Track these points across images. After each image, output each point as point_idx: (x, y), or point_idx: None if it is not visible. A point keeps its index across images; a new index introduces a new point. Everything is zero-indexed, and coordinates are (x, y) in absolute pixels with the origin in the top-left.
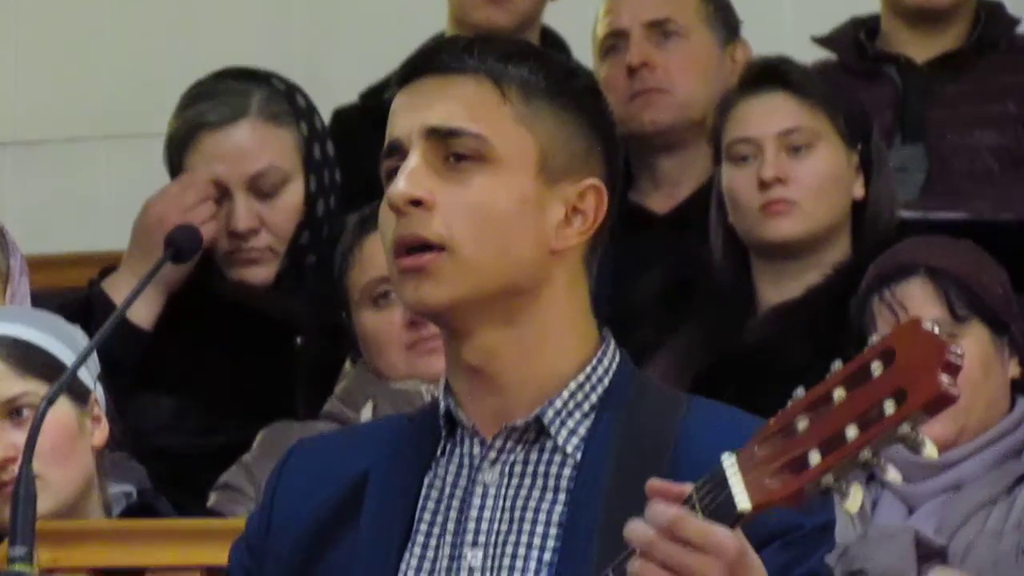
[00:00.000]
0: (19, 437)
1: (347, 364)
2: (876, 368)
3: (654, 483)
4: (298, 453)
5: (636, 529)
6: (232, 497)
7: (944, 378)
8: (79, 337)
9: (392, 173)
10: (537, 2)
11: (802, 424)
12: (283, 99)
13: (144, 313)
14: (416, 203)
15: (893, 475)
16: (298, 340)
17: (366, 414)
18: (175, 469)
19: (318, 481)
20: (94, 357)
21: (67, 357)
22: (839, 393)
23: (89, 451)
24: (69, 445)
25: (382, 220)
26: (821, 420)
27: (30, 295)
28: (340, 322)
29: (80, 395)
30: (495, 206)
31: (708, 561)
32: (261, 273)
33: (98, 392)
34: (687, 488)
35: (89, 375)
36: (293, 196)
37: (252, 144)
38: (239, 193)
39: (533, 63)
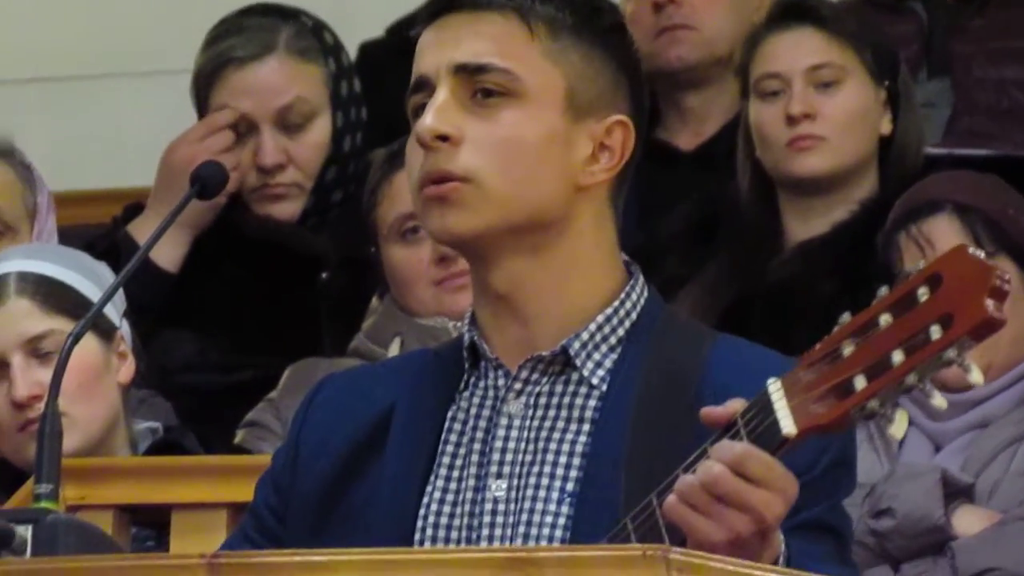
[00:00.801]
0: (45, 374)
1: (374, 300)
2: (922, 294)
3: (707, 409)
4: (324, 389)
5: (706, 466)
6: (259, 434)
7: (990, 303)
8: (105, 274)
9: (419, 109)
10: None
11: (848, 349)
12: (311, 35)
13: (170, 255)
14: (444, 138)
15: (939, 400)
16: (323, 276)
17: (394, 350)
18: (201, 405)
19: (344, 415)
20: (120, 294)
21: (93, 294)
22: (885, 318)
23: (115, 388)
24: (95, 382)
25: (409, 155)
26: (867, 345)
27: (57, 232)
28: (365, 258)
29: (106, 332)
30: (523, 140)
31: (774, 498)
32: (288, 209)
33: (124, 329)
34: (737, 408)
35: (115, 312)
36: (320, 132)
37: (280, 79)
38: (266, 128)
39: (559, 0)
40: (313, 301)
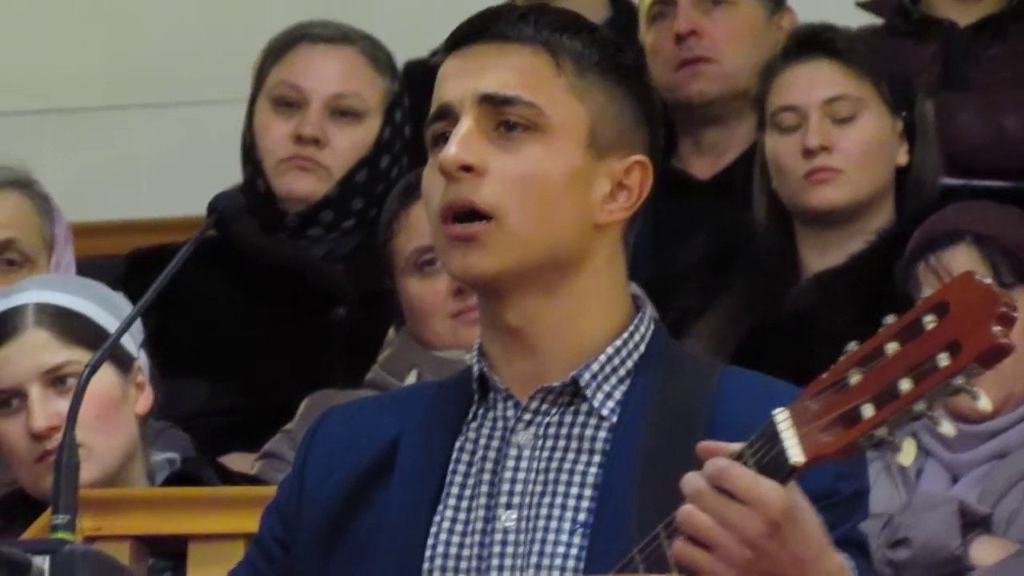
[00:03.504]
0: (63, 406)
1: (391, 332)
2: (929, 321)
3: (704, 444)
4: (329, 420)
5: (689, 479)
6: (276, 465)
7: (998, 329)
8: (122, 305)
9: (439, 137)
10: None
11: (855, 378)
12: (384, 54)
13: None
14: (467, 169)
15: (947, 428)
16: (339, 311)
17: (410, 382)
18: (215, 440)
19: (349, 447)
20: (138, 325)
21: (111, 325)
22: (892, 346)
23: (133, 419)
24: (113, 413)
25: (427, 183)
26: (874, 374)
27: (74, 262)
28: (382, 291)
29: (124, 362)
30: (545, 176)
31: (749, 515)
32: (309, 184)
33: (142, 359)
34: (737, 446)
35: (133, 342)
36: (365, 131)
37: (347, 68)
38: (316, 104)
39: (586, 36)
40: (326, 335)
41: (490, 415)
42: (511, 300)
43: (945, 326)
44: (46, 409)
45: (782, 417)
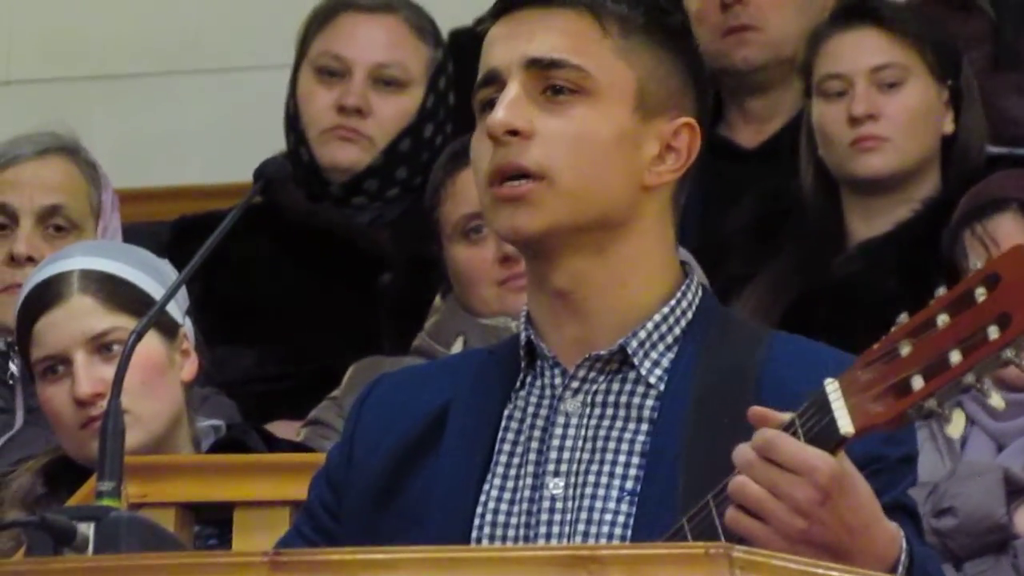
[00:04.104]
0: (109, 372)
1: (437, 299)
2: (980, 293)
3: (756, 409)
4: (379, 387)
5: (739, 451)
6: (322, 432)
7: None
8: (168, 271)
9: (487, 103)
10: None
11: (905, 349)
12: (428, 22)
13: None
14: (515, 133)
15: (997, 400)
16: (385, 277)
17: (456, 349)
18: (262, 406)
19: (399, 414)
20: (183, 292)
21: (156, 292)
22: (943, 318)
23: (178, 385)
24: (158, 379)
25: (476, 149)
26: (924, 345)
27: (121, 229)
28: (428, 257)
29: (169, 329)
30: (594, 138)
31: (799, 482)
32: (353, 154)
33: (187, 326)
34: (788, 416)
35: (178, 309)
36: (409, 101)
37: (391, 37)
38: (359, 73)
39: None
40: (372, 301)
41: (538, 383)
42: (559, 261)
43: (995, 299)
44: (91, 375)
45: (833, 387)
